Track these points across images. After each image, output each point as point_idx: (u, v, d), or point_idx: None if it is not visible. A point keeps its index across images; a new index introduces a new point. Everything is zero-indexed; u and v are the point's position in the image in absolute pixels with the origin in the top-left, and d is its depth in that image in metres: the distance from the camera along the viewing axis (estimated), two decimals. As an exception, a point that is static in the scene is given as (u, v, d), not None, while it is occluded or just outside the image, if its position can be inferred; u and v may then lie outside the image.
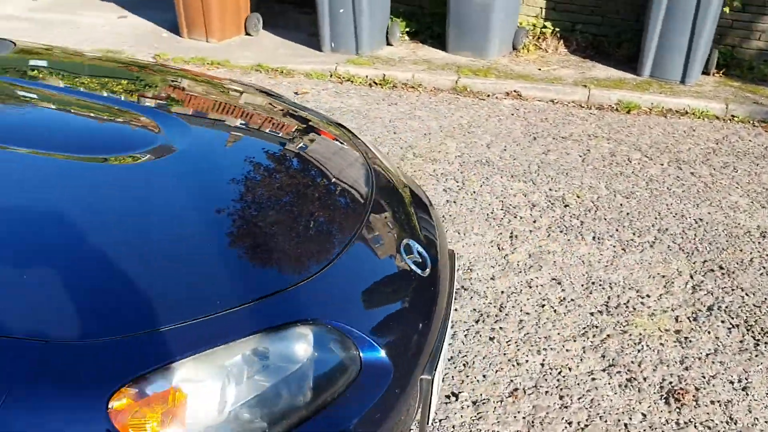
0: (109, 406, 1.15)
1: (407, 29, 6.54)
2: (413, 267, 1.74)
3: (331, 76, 5.69)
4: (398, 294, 1.66)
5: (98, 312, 1.28)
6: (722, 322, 2.81)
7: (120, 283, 1.34)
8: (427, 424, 1.67)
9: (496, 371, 2.50)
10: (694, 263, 3.21)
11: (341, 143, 2.23)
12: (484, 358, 2.57)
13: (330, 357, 1.42)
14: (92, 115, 2.00)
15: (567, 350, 2.63)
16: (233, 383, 1.29)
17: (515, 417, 2.31)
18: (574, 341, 2.67)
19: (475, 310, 2.84)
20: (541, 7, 6.35)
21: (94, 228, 1.45)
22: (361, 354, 1.44)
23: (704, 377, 2.51)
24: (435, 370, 1.59)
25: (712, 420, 2.33)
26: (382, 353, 1.46)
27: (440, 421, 2.28)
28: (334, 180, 1.92)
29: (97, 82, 2.27)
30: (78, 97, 2.07)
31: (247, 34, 6.65)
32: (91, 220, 1.48)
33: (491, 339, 2.67)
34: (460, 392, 2.40)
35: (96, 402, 1.14)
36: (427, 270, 1.78)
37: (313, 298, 1.48)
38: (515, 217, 3.58)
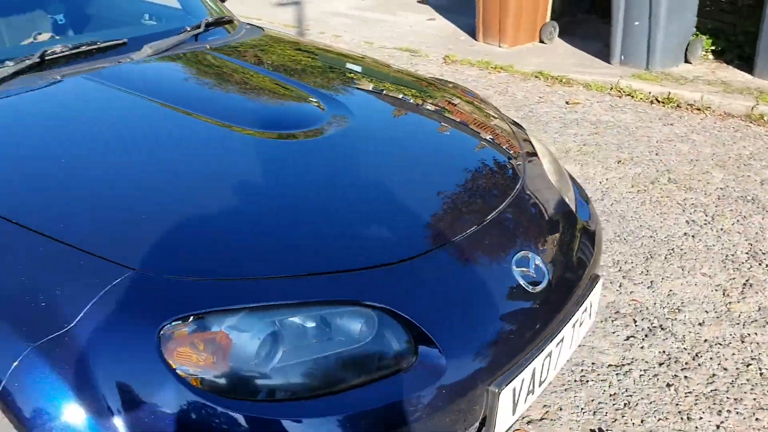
0: (161, 333, 1.32)
1: (712, 47, 5.99)
2: (520, 280, 1.68)
3: (611, 89, 5.46)
4: (488, 303, 1.61)
5: (182, 252, 1.47)
6: None
7: (215, 231, 1.52)
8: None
9: (659, 420, 2.27)
10: None
11: (504, 144, 2.21)
12: (651, 402, 2.34)
13: (387, 344, 1.45)
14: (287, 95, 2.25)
15: (756, 419, 2.27)
16: (284, 342, 1.38)
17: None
18: (770, 412, 2.30)
19: (664, 352, 2.58)
20: None
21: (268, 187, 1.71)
22: (418, 348, 1.45)
23: None
24: (506, 385, 1.52)
25: None
26: (440, 353, 1.45)
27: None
28: (474, 174, 1.92)
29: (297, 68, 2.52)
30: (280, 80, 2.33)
31: (541, 41, 6.64)
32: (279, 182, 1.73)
33: (668, 385, 2.41)
34: (608, 430, 2.22)
35: (150, 329, 1.32)
36: (540, 287, 1.70)
37: (394, 282, 1.51)
38: (760, 264, 3.15)
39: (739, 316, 2.80)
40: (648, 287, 2.97)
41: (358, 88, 2.45)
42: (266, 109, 2.16)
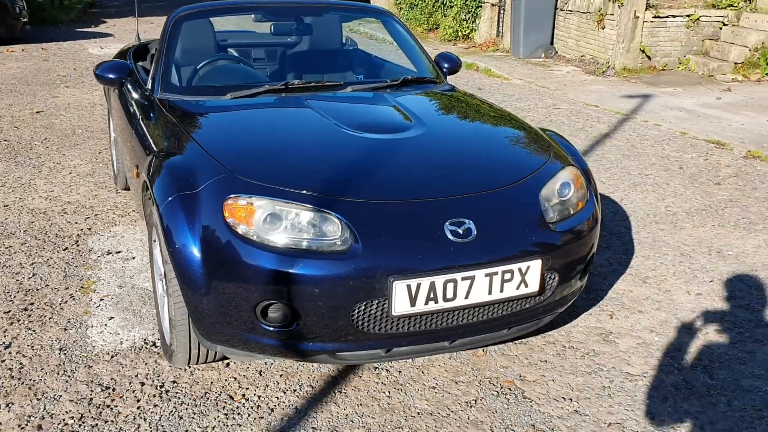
0: (224, 201, 2.61)
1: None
2: (448, 228, 2.56)
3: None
4: (411, 235, 2.54)
5: (260, 170, 2.75)
6: None
7: (292, 166, 2.80)
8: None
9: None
10: None
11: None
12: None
13: (346, 241, 2.51)
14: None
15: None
16: (288, 223, 2.55)
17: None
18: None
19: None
20: None
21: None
22: (352, 245, 2.49)
23: None
24: (401, 281, 2.44)
25: None
26: (361, 245, 2.47)
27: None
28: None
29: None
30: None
31: None
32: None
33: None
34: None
35: (221, 196, 2.62)
36: (459, 239, 2.56)
37: (366, 212, 2.58)
38: None
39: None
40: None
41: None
42: (380, 124, 3.33)
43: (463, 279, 2.55)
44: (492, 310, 2.71)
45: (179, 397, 2.81)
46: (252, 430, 2.65)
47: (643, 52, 10.15)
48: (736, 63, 9.77)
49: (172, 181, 2.73)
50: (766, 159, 6.23)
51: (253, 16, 4.75)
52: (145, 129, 3.45)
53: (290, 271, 2.46)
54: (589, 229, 2.94)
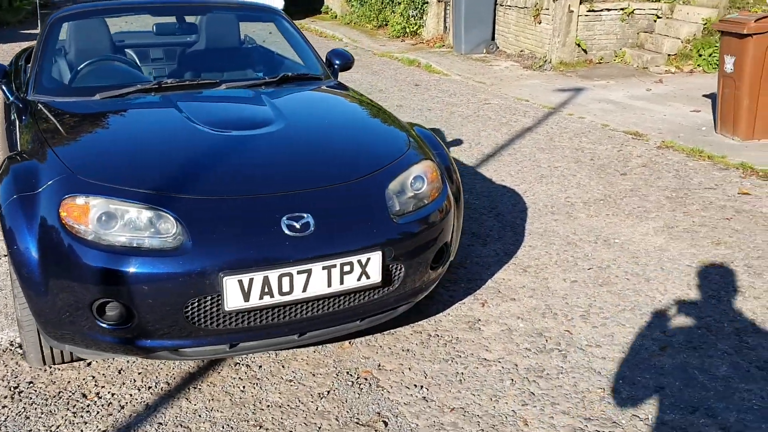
0: (61, 200, 2.66)
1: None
2: (284, 223, 2.62)
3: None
4: (248, 229, 2.61)
5: (100, 170, 2.80)
6: None
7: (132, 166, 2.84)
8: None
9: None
10: None
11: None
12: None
13: (177, 239, 2.56)
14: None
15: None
16: (123, 222, 2.60)
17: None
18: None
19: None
20: None
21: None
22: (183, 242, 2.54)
23: None
24: (232, 277, 2.49)
25: None
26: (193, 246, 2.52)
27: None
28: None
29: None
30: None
31: (782, 137, 6.43)
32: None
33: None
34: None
35: (60, 195, 2.67)
36: (296, 233, 2.62)
37: (197, 208, 2.63)
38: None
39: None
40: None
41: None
42: (240, 121, 3.37)
43: (300, 272, 2.61)
44: (337, 303, 2.77)
45: (31, 398, 2.84)
46: (98, 427, 2.69)
47: (579, 45, 10.28)
48: (669, 55, 9.93)
49: (15, 182, 2.76)
50: (678, 148, 6.37)
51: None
52: (12, 131, 3.47)
53: (123, 269, 2.51)
54: (439, 220, 3.01)
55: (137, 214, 2.60)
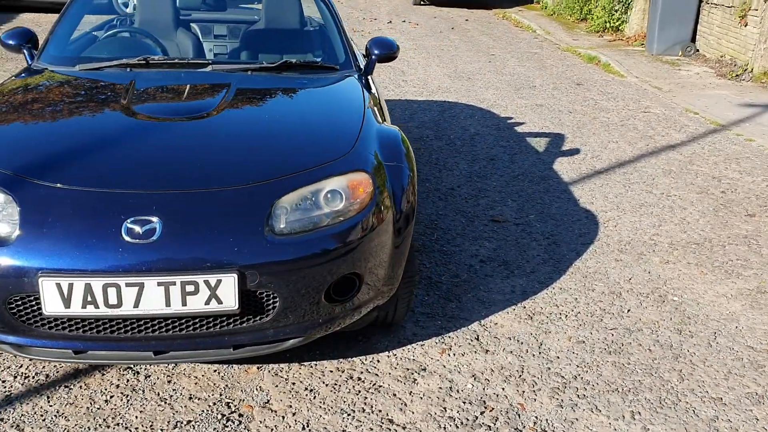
0: None
1: None
2: (126, 227, 2.30)
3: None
4: (88, 229, 2.30)
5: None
6: None
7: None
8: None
9: None
10: None
11: None
12: None
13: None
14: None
15: None
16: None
17: None
18: None
19: None
20: None
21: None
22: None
23: None
24: (48, 279, 2.22)
25: None
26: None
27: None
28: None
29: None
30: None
31: None
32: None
33: None
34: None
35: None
36: (135, 240, 2.28)
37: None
38: None
39: None
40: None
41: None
42: (174, 107, 3.06)
43: (128, 285, 2.26)
44: (195, 325, 2.39)
45: None
46: (-57, 409, 2.57)
47: (791, 54, 8.66)
48: None
49: None
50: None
51: None
52: None
53: None
54: (343, 245, 2.49)
55: None
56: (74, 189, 2.43)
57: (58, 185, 2.44)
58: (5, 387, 2.69)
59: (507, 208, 4.62)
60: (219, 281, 2.29)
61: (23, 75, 3.44)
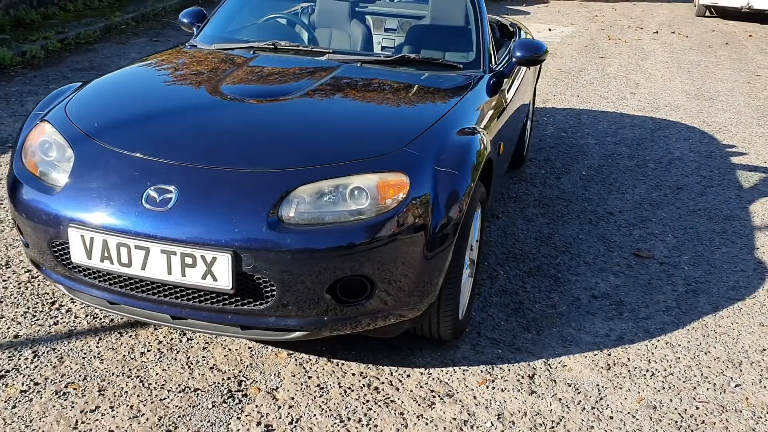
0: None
1: None
2: (148, 195, 2.42)
3: None
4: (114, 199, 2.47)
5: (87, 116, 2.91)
6: None
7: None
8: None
9: None
10: None
11: None
12: None
13: None
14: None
15: None
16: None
17: None
18: None
19: None
20: None
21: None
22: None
23: None
24: (75, 229, 2.43)
25: None
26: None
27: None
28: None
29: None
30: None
31: None
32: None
33: None
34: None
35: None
36: (151, 207, 2.40)
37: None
38: None
39: None
40: None
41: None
42: (265, 89, 3.13)
43: (137, 248, 2.38)
44: (201, 299, 2.46)
45: None
46: None
47: None
48: None
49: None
50: None
51: None
52: None
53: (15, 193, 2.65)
54: (354, 246, 2.38)
55: (62, 144, 2.68)
56: (120, 152, 2.60)
57: (109, 146, 2.63)
58: (74, 322, 2.98)
59: (662, 243, 4.06)
60: (214, 258, 2.32)
61: (170, 48, 3.75)
